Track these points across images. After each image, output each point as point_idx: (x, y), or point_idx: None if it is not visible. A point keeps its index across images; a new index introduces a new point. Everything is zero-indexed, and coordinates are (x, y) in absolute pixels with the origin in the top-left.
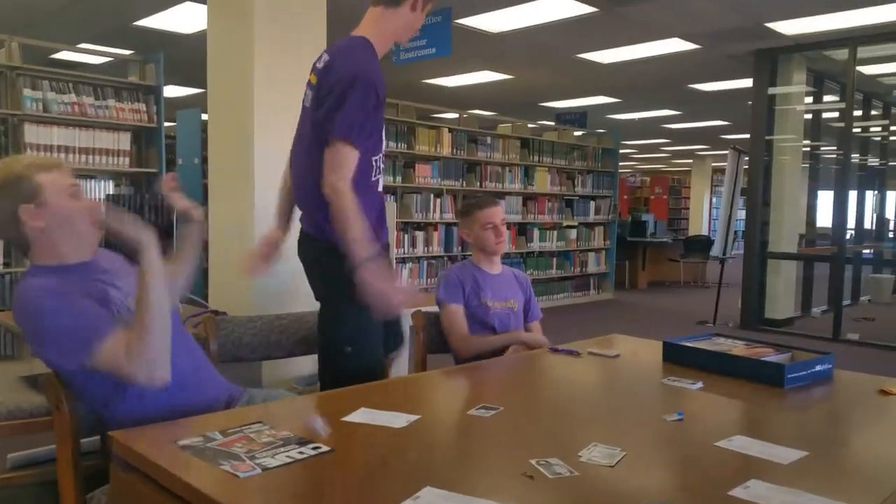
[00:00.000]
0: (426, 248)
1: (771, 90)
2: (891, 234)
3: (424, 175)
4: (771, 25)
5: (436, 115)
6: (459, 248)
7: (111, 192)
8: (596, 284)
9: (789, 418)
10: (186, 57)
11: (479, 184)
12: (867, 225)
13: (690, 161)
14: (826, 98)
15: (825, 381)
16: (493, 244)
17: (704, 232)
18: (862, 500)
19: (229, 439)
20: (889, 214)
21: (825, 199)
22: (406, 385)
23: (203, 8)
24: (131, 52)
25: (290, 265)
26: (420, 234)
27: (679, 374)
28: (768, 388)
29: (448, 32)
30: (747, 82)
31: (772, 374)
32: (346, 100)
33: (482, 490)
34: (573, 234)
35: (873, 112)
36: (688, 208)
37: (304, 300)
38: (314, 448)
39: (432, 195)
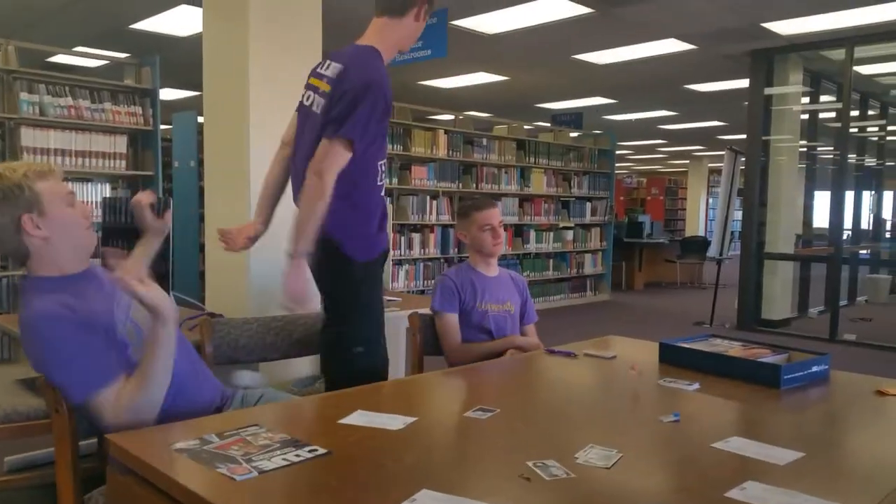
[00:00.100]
0: (422, 250)
1: (767, 90)
2: (888, 235)
3: (420, 177)
4: (767, 25)
5: (432, 117)
6: (456, 249)
7: (107, 196)
8: (592, 286)
9: (786, 419)
10: (182, 60)
11: (475, 185)
12: (864, 225)
13: (687, 162)
14: (823, 98)
15: (822, 381)
16: (490, 246)
17: (701, 233)
18: (858, 501)
19: (226, 442)
20: (886, 214)
21: (822, 199)
22: (403, 387)
23: (199, 11)
24: (127, 55)
25: None
26: (416, 236)
27: (676, 376)
28: (765, 389)
29: (444, 34)
30: (744, 83)
31: (768, 375)
32: (357, 105)
33: (479, 492)
34: (569, 235)
35: (870, 112)
36: (684, 209)
37: None
38: (311, 451)
39: (428, 197)
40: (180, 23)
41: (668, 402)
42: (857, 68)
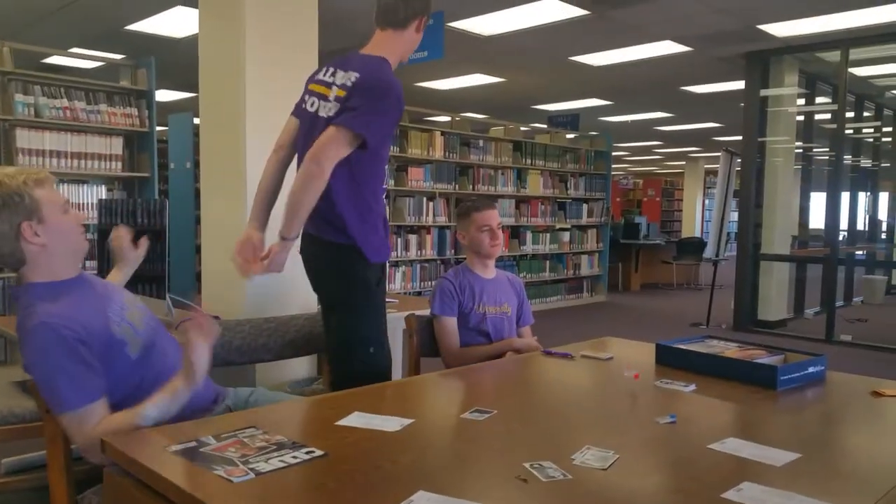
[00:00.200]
0: (419, 252)
1: (763, 92)
2: (883, 236)
3: (417, 178)
4: (762, 27)
5: (428, 119)
6: (452, 251)
7: (103, 197)
8: (589, 287)
9: (782, 420)
10: (178, 61)
11: (471, 187)
12: (860, 226)
13: (683, 163)
14: (818, 100)
15: (818, 382)
16: (487, 247)
17: (697, 234)
18: (855, 502)
19: (222, 444)
20: (881, 216)
21: (818, 200)
22: (400, 389)
23: (195, 12)
24: (123, 56)
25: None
26: (413, 238)
27: (672, 377)
28: (761, 390)
29: (441, 35)
30: (739, 84)
31: (765, 376)
32: (376, 102)
33: (475, 494)
34: (566, 236)
35: (865, 114)
36: (680, 210)
37: (297, 304)
38: (308, 452)
39: (425, 198)
40: (176, 24)
41: (664, 403)
42: (852, 70)
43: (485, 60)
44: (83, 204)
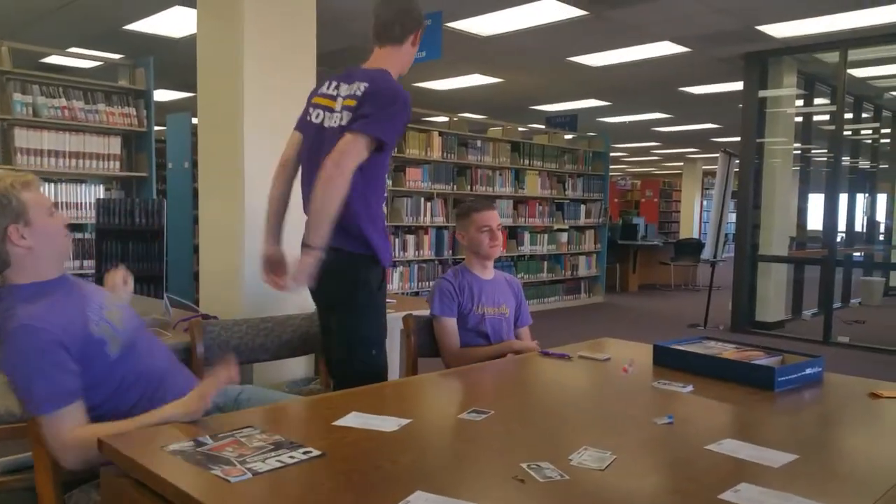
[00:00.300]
0: (417, 252)
1: (761, 93)
2: (881, 237)
3: (415, 179)
4: (761, 28)
5: (426, 119)
6: (450, 251)
7: (101, 197)
8: (587, 288)
9: (780, 421)
10: (176, 61)
11: (469, 187)
12: (858, 228)
13: (681, 164)
14: (817, 101)
15: (815, 384)
16: (487, 248)
17: (695, 235)
18: (852, 503)
19: (220, 444)
20: (879, 217)
21: (816, 201)
22: (397, 389)
23: (193, 12)
24: (121, 56)
25: None
26: (411, 238)
27: (670, 378)
28: (759, 392)
29: (439, 36)
30: (738, 85)
31: (762, 377)
32: (388, 108)
33: (473, 494)
34: (564, 237)
35: (864, 115)
36: (678, 211)
37: (294, 304)
38: (305, 452)
39: (423, 199)
40: (174, 24)
41: (662, 404)
42: (850, 71)
43: (483, 61)
44: (81, 203)
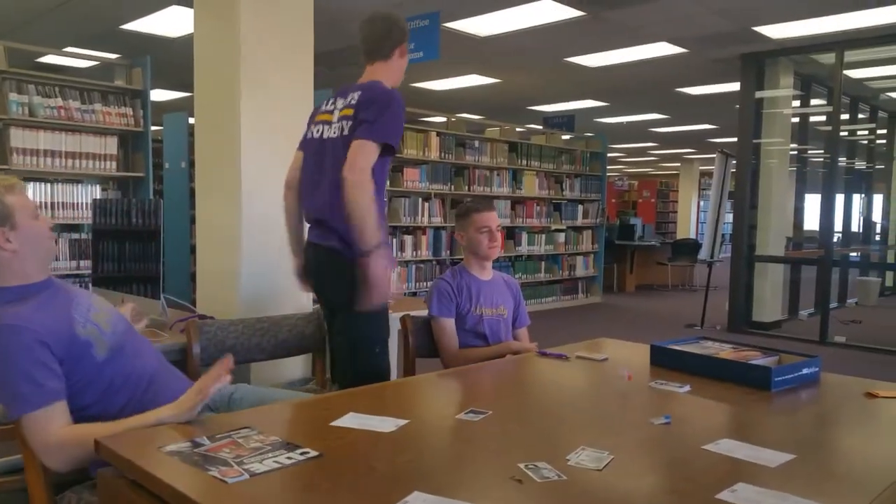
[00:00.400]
0: (415, 252)
1: (758, 94)
2: (877, 237)
3: (413, 179)
4: (758, 29)
5: (424, 119)
6: (448, 251)
7: (98, 197)
8: (584, 288)
9: (776, 421)
10: (173, 60)
11: (467, 187)
12: (854, 228)
13: (678, 164)
14: (813, 101)
15: (812, 384)
16: (485, 249)
17: (692, 235)
18: (849, 503)
19: (217, 444)
20: (876, 217)
21: (812, 202)
22: (395, 389)
23: (190, 12)
24: (118, 55)
25: (279, 272)
26: (409, 238)
27: (667, 378)
28: (755, 392)
29: (436, 36)
30: (735, 86)
31: (759, 377)
32: (385, 112)
33: (471, 494)
34: (561, 237)
35: (860, 115)
36: (676, 212)
37: (291, 304)
38: (302, 453)
39: (420, 199)
40: (171, 23)
41: (659, 404)
42: (847, 72)
43: (481, 61)
44: (77, 204)
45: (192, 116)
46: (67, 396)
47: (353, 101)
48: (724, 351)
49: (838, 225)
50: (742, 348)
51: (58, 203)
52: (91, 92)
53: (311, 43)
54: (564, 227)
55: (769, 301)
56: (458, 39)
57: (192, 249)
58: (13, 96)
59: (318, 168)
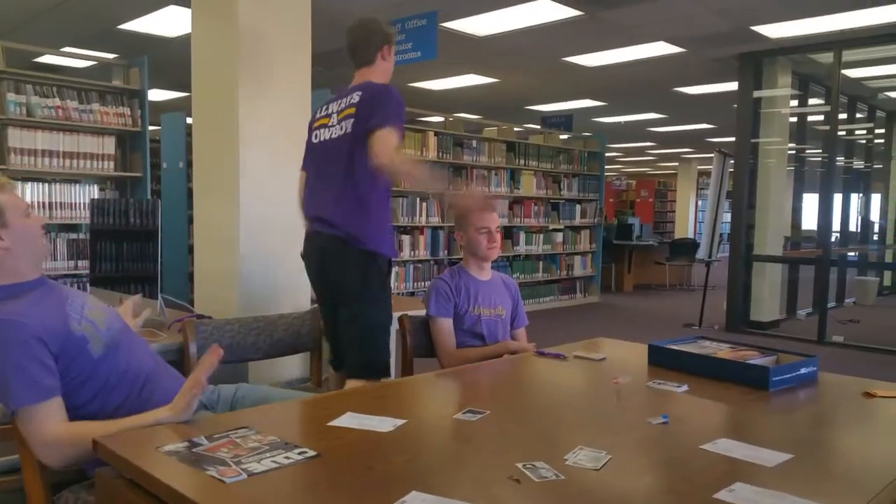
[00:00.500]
0: (412, 252)
1: (756, 93)
2: (875, 237)
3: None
4: (756, 29)
5: (421, 119)
6: (446, 251)
7: (95, 197)
8: (582, 288)
9: (774, 421)
10: (171, 60)
11: (465, 187)
12: (852, 227)
13: (676, 164)
14: (811, 101)
15: (810, 383)
16: (484, 249)
17: (690, 235)
18: (846, 503)
19: (215, 444)
20: (874, 217)
21: (810, 201)
22: (393, 389)
23: (187, 11)
24: (115, 55)
25: (276, 272)
26: (406, 238)
27: (664, 377)
28: (753, 391)
29: (434, 36)
30: (732, 86)
31: (757, 376)
32: (391, 101)
33: (469, 494)
34: (559, 237)
35: (858, 115)
36: (674, 211)
37: (289, 303)
38: (300, 453)
39: (418, 199)
40: (169, 23)
41: (656, 403)
42: (845, 71)
43: (478, 61)
44: (75, 204)
45: (190, 116)
46: (63, 394)
47: (355, 101)
48: (722, 350)
49: (836, 224)
50: (740, 348)
51: (55, 203)
52: (89, 92)
53: (309, 43)
54: (562, 227)
55: (767, 301)
56: (455, 39)
57: (190, 249)
58: (11, 96)
59: (319, 173)
